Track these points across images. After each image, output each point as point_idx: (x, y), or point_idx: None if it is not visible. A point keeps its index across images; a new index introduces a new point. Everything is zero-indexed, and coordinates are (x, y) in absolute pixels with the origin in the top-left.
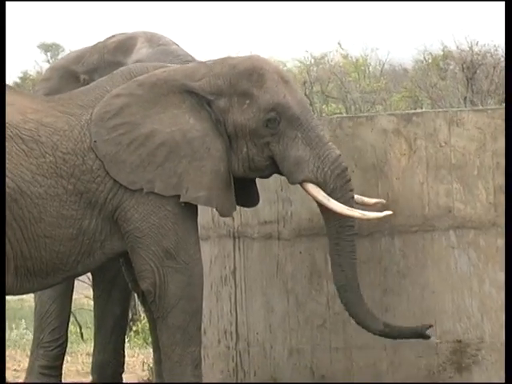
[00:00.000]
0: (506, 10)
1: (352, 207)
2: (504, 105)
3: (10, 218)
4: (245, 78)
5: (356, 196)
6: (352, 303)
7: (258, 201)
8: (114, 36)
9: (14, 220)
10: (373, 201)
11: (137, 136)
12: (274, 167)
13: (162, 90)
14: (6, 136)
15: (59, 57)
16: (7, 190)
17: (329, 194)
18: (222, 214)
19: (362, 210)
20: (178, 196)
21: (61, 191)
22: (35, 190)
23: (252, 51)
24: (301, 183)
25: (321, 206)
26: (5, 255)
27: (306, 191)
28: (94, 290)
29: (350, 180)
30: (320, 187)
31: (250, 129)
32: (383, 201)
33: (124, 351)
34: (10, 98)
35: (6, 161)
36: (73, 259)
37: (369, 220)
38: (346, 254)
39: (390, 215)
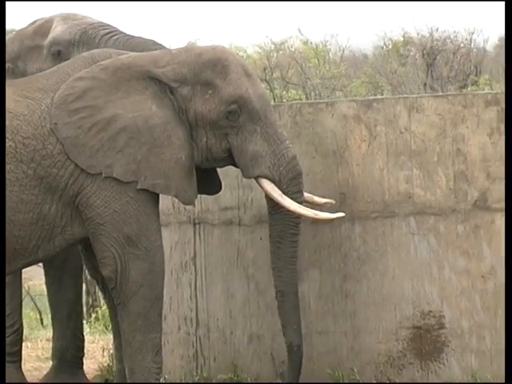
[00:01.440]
0: (506, 10)
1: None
2: (464, 91)
3: None
4: (209, 68)
5: (306, 194)
6: (284, 311)
7: (220, 188)
8: (33, 22)
9: None
10: (323, 200)
11: (98, 120)
12: (230, 159)
13: (126, 74)
14: None
15: None
16: None
17: None
18: (183, 202)
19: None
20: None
21: (21, 176)
22: None
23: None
24: (256, 178)
25: (270, 205)
26: (5, 255)
27: (261, 186)
28: (46, 278)
29: (301, 189)
30: (274, 184)
31: (211, 119)
32: (333, 201)
33: (83, 335)
34: None
35: None
36: (33, 244)
37: (320, 220)
38: (286, 259)
39: (350, 201)
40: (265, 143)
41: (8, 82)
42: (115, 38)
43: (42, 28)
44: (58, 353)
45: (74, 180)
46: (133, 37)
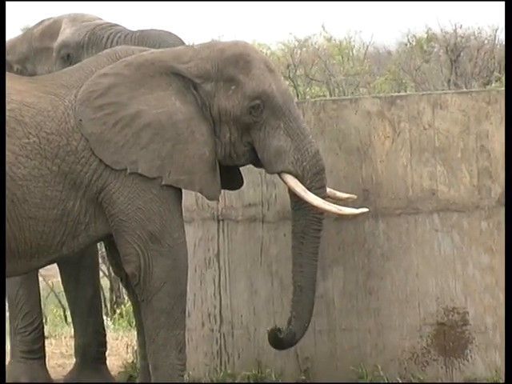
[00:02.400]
0: (505, 10)
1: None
2: (488, 87)
3: None
4: (232, 64)
5: (329, 190)
6: (300, 305)
7: (242, 183)
8: (41, 22)
9: None
10: (345, 195)
11: (122, 116)
12: (252, 155)
13: (149, 71)
14: None
15: None
16: None
17: None
18: (207, 198)
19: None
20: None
21: (45, 172)
22: (18, 171)
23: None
24: (279, 173)
25: (293, 200)
26: (5, 254)
27: (285, 182)
28: (61, 276)
29: (324, 184)
30: (298, 179)
31: (234, 115)
32: (354, 196)
33: (104, 330)
34: None
35: None
36: (57, 241)
37: (344, 215)
38: (308, 255)
39: (374, 197)
40: (288, 138)
41: (32, 78)
42: (124, 35)
43: (50, 29)
44: (81, 349)
45: (98, 176)
46: (143, 30)
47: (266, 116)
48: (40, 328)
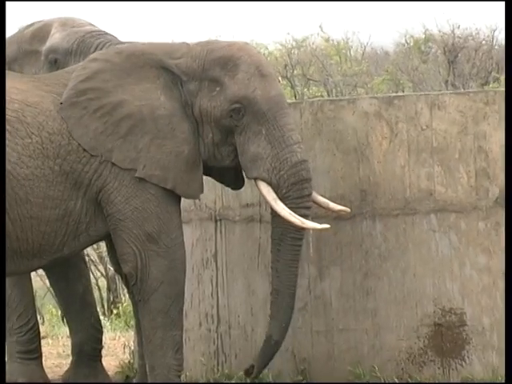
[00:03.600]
0: (505, 10)
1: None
2: (485, 88)
3: None
4: (219, 66)
5: (322, 199)
6: (275, 307)
7: (243, 183)
8: (31, 25)
9: None
10: (337, 207)
11: (105, 104)
12: (236, 159)
13: (139, 61)
14: None
15: None
16: None
17: (280, 199)
18: (183, 196)
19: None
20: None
21: (47, 172)
22: (21, 171)
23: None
24: (254, 180)
25: (271, 208)
26: (5, 254)
27: (258, 189)
28: (50, 278)
29: (305, 195)
30: (273, 188)
31: (215, 116)
32: (348, 210)
33: (101, 326)
34: None
35: None
36: (59, 241)
37: (307, 228)
38: (285, 262)
39: (371, 198)
40: (268, 145)
41: (33, 77)
42: (113, 46)
43: (40, 32)
44: (77, 348)
45: (98, 176)
46: (132, 43)
47: (247, 121)
48: (35, 328)
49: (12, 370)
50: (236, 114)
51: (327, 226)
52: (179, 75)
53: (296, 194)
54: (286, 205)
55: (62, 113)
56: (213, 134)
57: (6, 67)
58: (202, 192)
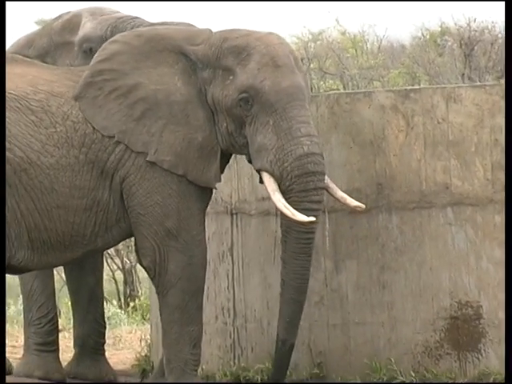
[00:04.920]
0: (506, 10)
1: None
2: (502, 81)
3: (20, 188)
4: (233, 55)
5: (340, 193)
6: (281, 303)
7: None
8: (60, 16)
9: (24, 190)
10: (354, 203)
11: (120, 85)
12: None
13: (159, 45)
14: (15, 108)
15: None
16: (16, 159)
17: (283, 192)
18: (196, 183)
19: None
20: (180, 175)
21: (73, 161)
22: (46, 160)
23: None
24: (258, 171)
25: None
26: (5, 252)
27: (262, 180)
28: (65, 267)
29: (310, 188)
30: (276, 180)
31: (225, 105)
32: (363, 206)
33: (104, 322)
34: (21, 69)
35: (16, 131)
36: (90, 231)
37: (297, 221)
38: (290, 254)
39: (388, 191)
40: (274, 137)
41: (65, 69)
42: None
43: (69, 23)
44: (79, 340)
45: (122, 166)
46: (164, 23)
47: (255, 111)
48: (54, 321)
49: (28, 362)
50: (244, 103)
51: (313, 218)
52: (196, 62)
53: (300, 187)
54: (289, 198)
55: (75, 91)
56: (227, 123)
57: (39, 61)
58: (219, 181)
